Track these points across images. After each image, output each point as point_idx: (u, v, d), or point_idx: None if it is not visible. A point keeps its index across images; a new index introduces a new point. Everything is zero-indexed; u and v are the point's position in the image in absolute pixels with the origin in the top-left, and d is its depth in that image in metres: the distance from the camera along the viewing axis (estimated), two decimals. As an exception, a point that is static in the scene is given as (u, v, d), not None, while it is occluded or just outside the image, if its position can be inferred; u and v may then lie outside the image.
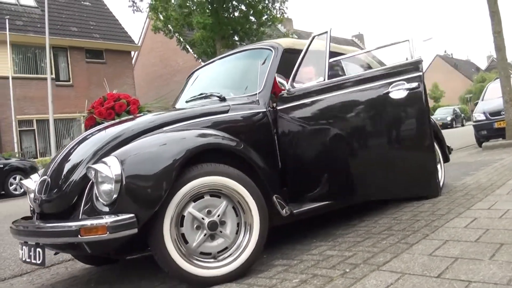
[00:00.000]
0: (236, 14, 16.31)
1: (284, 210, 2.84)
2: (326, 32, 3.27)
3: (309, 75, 3.36)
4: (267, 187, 2.83)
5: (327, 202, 3.16)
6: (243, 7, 16.18)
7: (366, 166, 3.07)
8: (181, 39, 17.57)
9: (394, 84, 2.94)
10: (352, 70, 3.99)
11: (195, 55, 17.77)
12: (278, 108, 3.29)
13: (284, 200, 3.00)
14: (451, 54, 75.29)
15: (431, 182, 2.88)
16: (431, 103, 51.73)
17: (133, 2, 15.76)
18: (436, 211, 4.05)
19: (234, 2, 16.06)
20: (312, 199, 3.20)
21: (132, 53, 24.31)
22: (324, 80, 3.23)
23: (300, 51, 3.42)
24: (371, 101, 3.05)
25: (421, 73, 2.92)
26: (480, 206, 3.98)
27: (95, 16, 22.37)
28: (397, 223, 3.74)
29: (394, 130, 3.02)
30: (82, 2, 22.80)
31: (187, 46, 17.49)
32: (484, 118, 11.36)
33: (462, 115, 40.82)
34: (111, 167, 2.31)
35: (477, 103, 13.36)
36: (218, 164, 2.58)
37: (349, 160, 3.10)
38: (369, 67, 4.26)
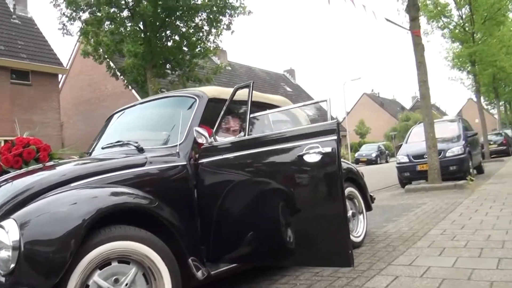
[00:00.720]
0: (170, 43, 16.07)
1: (200, 272, 2.70)
2: (249, 85, 3.15)
3: (234, 128, 3.23)
4: (183, 248, 2.67)
5: (246, 262, 3.02)
6: (177, 37, 15.98)
7: (281, 229, 2.88)
8: (112, 65, 17.08)
9: (308, 146, 2.79)
10: (278, 122, 3.90)
11: (125, 83, 17.33)
12: (199, 161, 3.12)
13: (201, 260, 2.85)
14: (378, 93, 78.53)
15: (342, 253, 2.67)
16: (357, 138, 53.40)
17: (63, 25, 15.14)
18: (357, 265, 3.99)
19: (168, 32, 15.84)
20: (231, 259, 3.05)
21: (60, 76, 23.38)
22: (245, 135, 3.10)
23: (226, 100, 3.28)
24: (286, 162, 2.92)
25: (336, 137, 2.75)
26: (401, 261, 3.96)
27: (24, 36, 21.38)
28: (318, 280, 3.63)
29: (306, 195, 2.85)
30: (11, 20, 21.77)
31: (117, 73, 17.01)
32: (408, 160, 11.75)
33: (387, 151, 42.36)
34: (8, 233, 2.06)
35: (401, 145, 13.83)
36: (129, 227, 2.38)
37: (266, 221, 2.94)
38: (296, 120, 4.17)
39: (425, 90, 10.08)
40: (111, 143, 3.49)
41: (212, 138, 3.12)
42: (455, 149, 11.28)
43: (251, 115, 3.22)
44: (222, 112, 3.15)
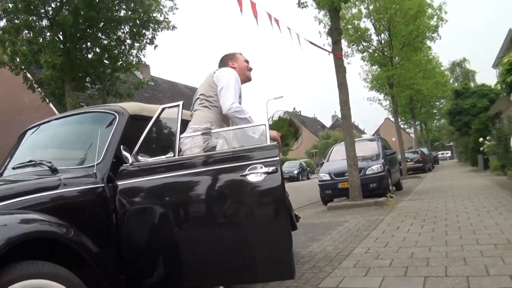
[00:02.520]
0: (90, 56, 15.44)
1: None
2: (178, 105, 2.98)
3: (159, 148, 3.03)
4: (100, 279, 2.46)
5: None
6: (98, 50, 15.38)
7: (216, 251, 2.78)
8: (29, 77, 16.11)
9: (251, 166, 2.75)
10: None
11: (42, 95, 16.40)
12: (119, 183, 2.87)
13: (120, 291, 2.62)
14: (300, 111, 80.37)
15: (285, 266, 2.70)
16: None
17: (-25, 31, 14.11)
18: (285, 290, 3.90)
19: (88, 44, 15.23)
20: (152, 286, 2.82)
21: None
22: (174, 156, 2.91)
23: (149, 118, 3.05)
24: (225, 183, 2.82)
25: (278, 157, 2.79)
26: (328, 283, 3.91)
27: None
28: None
29: (250, 215, 2.80)
30: None
31: (35, 85, 16.07)
32: (329, 178, 11.96)
33: (308, 168, 43.32)
34: None
35: (322, 162, 14.08)
36: (38, 262, 2.11)
37: (198, 244, 2.79)
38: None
39: (346, 111, 10.33)
40: (23, 163, 3.15)
41: (133, 158, 2.90)
42: (375, 167, 11.63)
43: (182, 136, 3.08)
44: (146, 130, 2.93)
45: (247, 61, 3.95)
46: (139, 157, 2.90)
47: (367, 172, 11.53)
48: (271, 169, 2.72)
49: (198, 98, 3.55)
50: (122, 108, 3.28)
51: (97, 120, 3.34)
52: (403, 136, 24.64)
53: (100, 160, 2.92)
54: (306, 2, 10.26)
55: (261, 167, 2.73)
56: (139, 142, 2.88)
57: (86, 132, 3.41)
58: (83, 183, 2.76)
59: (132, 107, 3.34)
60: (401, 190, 14.33)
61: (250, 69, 3.96)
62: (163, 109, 2.98)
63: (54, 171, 2.83)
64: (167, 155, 2.91)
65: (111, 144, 3.00)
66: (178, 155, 2.93)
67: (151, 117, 3.01)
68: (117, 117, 3.18)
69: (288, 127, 3.80)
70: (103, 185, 2.82)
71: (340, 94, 10.18)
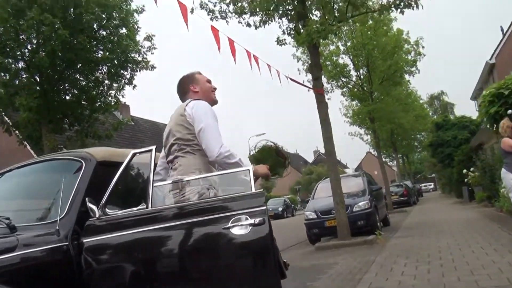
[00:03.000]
0: (68, 97, 15.15)
1: None
2: (150, 150, 2.67)
3: (130, 199, 2.71)
4: None
5: None
6: (75, 91, 15.12)
7: None
8: (6, 120, 15.67)
9: (234, 218, 2.44)
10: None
11: (19, 138, 15.93)
12: (85, 241, 2.53)
13: None
14: (282, 147, 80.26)
15: None
16: (264, 193, 53.43)
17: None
18: None
19: (66, 85, 14.97)
20: None
21: None
22: (147, 207, 2.59)
23: (120, 164, 2.74)
24: (205, 238, 2.50)
25: (265, 207, 2.48)
26: None
27: None
28: None
29: (232, 273, 2.48)
30: None
31: (11, 128, 15.63)
32: (316, 216, 11.64)
33: (292, 205, 42.88)
34: None
35: (307, 200, 13.78)
36: None
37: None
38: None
39: (330, 147, 10.10)
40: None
41: (100, 211, 2.56)
42: (362, 204, 11.38)
43: (156, 185, 2.71)
44: (114, 179, 2.61)
45: (209, 81, 3.43)
46: (107, 210, 2.57)
47: (354, 209, 11.26)
48: (257, 220, 2.41)
49: (175, 144, 3.04)
50: (89, 154, 2.96)
51: (61, 168, 3.00)
52: (385, 169, 24.55)
53: (64, 214, 2.58)
54: (284, 39, 10.17)
55: (247, 219, 2.42)
56: (106, 193, 2.56)
57: (50, 182, 3.06)
58: (44, 243, 2.43)
59: (100, 152, 3.01)
60: (388, 225, 14.05)
61: (214, 89, 3.43)
62: (133, 155, 2.67)
63: (12, 229, 2.48)
64: (139, 207, 2.58)
65: (77, 195, 2.67)
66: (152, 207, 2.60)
67: (122, 163, 2.70)
68: (84, 164, 2.85)
69: (275, 156, 3.46)
70: (67, 243, 2.49)
71: (323, 130, 9.97)
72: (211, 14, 8.97)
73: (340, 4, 9.38)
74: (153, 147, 2.67)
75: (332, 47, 20.48)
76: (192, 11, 8.68)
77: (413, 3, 8.75)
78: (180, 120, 3.07)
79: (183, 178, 2.86)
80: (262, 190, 2.49)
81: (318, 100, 9.96)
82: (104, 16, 14.27)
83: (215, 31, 5.90)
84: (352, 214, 10.96)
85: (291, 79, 9.19)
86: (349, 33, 19.91)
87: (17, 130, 15.64)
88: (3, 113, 14.97)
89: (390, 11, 9.02)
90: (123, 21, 14.75)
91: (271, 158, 3.45)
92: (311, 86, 10.24)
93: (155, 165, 3.02)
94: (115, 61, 14.87)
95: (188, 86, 3.34)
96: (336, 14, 9.19)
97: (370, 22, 18.90)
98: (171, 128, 3.12)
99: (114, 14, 14.47)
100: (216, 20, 9.04)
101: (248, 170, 2.58)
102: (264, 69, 7.74)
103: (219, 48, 5.85)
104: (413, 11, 8.66)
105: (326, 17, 8.99)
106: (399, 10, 8.85)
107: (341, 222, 10.05)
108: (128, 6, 14.85)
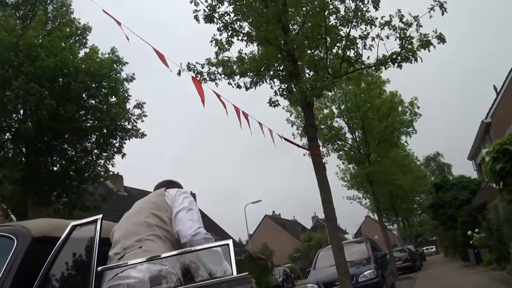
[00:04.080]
0: (55, 168, 14.63)
1: None
2: (95, 221, 2.10)
3: (68, 286, 2.10)
4: None
5: None
6: (63, 162, 14.62)
7: None
8: (-10, 193, 15.02)
9: None
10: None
11: (3, 212, 15.22)
12: None
13: None
14: (279, 214, 79.03)
15: None
16: (262, 262, 51.78)
17: None
18: None
19: (54, 156, 14.48)
20: None
21: None
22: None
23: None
24: None
25: None
26: None
27: None
28: None
29: None
30: None
31: (-4, 202, 14.95)
32: (318, 290, 10.79)
33: (293, 275, 41.27)
34: None
35: (308, 270, 12.97)
36: None
37: None
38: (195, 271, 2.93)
39: (330, 211, 9.38)
40: None
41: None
42: (367, 274, 10.62)
43: (101, 267, 2.07)
44: (47, 262, 2.01)
45: None
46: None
47: (360, 279, 10.45)
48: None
49: (144, 223, 2.51)
50: (23, 228, 2.37)
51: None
52: (387, 233, 23.72)
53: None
54: (277, 100, 9.75)
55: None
56: (37, 280, 1.94)
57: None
58: None
59: (39, 225, 2.41)
60: (396, 295, 13.13)
61: None
62: (73, 228, 2.09)
63: None
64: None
65: (3, 282, 2.05)
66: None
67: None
68: (15, 241, 2.26)
69: (254, 264, 2.83)
70: None
71: (322, 193, 9.31)
72: (199, 76, 8.62)
73: (334, 61, 9.08)
74: (99, 217, 2.09)
75: (326, 111, 20.28)
76: (179, 73, 8.33)
77: (411, 56, 8.43)
78: (158, 199, 2.70)
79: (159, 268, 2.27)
80: (246, 274, 1.86)
81: (315, 162, 9.39)
82: (93, 85, 14.02)
83: (197, 83, 5.47)
84: (358, 285, 10.14)
85: (285, 139, 8.70)
86: (343, 96, 19.79)
87: (2, 203, 15.00)
88: (-13, 188, 14.33)
89: (387, 66, 8.67)
90: (113, 89, 14.50)
91: (251, 269, 2.84)
92: (306, 148, 9.74)
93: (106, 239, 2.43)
94: (104, 130, 14.48)
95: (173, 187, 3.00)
96: (330, 72, 8.84)
97: (363, 85, 18.87)
98: (143, 206, 2.71)
99: (103, 83, 14.23)
100: (205, 82, 8.67)
101: (228, 245, 1.97)
102: (256, 128, 7.28)
103: (203, 101, 5.40)
104: (410, 65, 8.35)
105: (320, 75, 8.63)
106: (396, 64, 8.53)
107: (348, 295, 9.15)
108: (118, 75, 14.64)
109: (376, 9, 8.56)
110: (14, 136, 13.45)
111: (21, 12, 14.23)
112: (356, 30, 8.94)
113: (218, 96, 5.92)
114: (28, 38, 12.08)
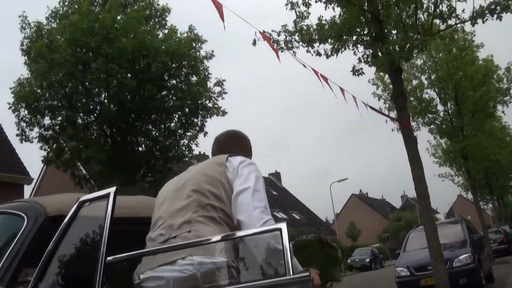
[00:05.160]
0: (140, 149, 14.94)
1: None
2: (107, 195, 1.64)
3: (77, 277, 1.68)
4: None
5: None
6: (148, 142, 14.89)
7: None
8: (77, 173, 15.57)
9: None
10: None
11: (90, 192, 15.81)
12: None
13: None
14: (367, 193, 77.09)
15: None
16: (349, 242, 50.96)
17: (22, 130, 13.99)
18: None
19: (139, 137, 14.76)
20: None
21: (26, 187, 21.78)
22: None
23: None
24: None
25: None
26: None
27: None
28: None
29: None
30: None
31: (82, 181, 15.48)
32: (408, 273, 10.05)
33: (381, 256, 39.92)
34: None
35: (398, 252, 12.13)
36: None
37: None
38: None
39: (422, 189, 8.48)
40: None
41: None
42: (463, 258, 9.67)
43: (112, 257, 1.55)
44: (49, 247, 1.60)
45: None
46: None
47: (455, 264, 9.52)
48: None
49: (196, 200, 1.94)
50: (38, 204, 2.00)
51: None
52: (479, 213, 22.06)
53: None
54: (361, 69, 8.95)
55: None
56: (37, 270, 1.54)
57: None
58: None
59: (57, 202, 2.02)
60: (493, 282, 11.85)
61: None
62: (81, 204, 1.66)
63: None
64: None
65: (11, 263, 1.68)
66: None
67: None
68: (26, 220, 1.90)
69: (322, 251, 2.23)
70: None
71: (412, 169, 8.45)
72: (275, 44, 8.07)
73: (424, 18, 8.13)
74: (112, 189, 1.64)
75: (415, 82, 19.00)
76: (254, 43, 7.86)
77: (511, 2, 7.26)
78: (216, 171, 2.05)
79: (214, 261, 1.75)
80: (307, 274, 1.31)
81: (405, 135, 8.54)
82: (173, 65, 14.01)
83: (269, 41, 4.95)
84: (452, 270, 9.20)
85: (371, 107, 7.97)
86: (433, 65, 18.41)
87: (89, 183, 15.53)
88: (74, 167, 14.85)
89: (485, 19, 7.56)
90: (193, 68, 14.45)
91: (317, 256, 2.25)
92: (395, 118, 8.92)
93: (125, 219, 1.96)
94: (186, 109, 14.52)
95: (238, 148, 2.34)
96: (420, 31, 7.90)
97: (455, 51, 17.46)
98: (195, 177, 2.05)
99: (183, 62, 14.18)
100: (282, 51, 8.10)
101: (280, 229, 1.42)
102: (339, 95, 6.64)
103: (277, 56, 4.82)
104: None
105: (408, 35, 7.75)
106: (495, 15, 7.43)
107: (440, 282, 8.22)
108: (197, 53, 14.55)
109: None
110: (97, 118, 13.79)
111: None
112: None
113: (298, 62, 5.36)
114: (103, 20, 12.20)
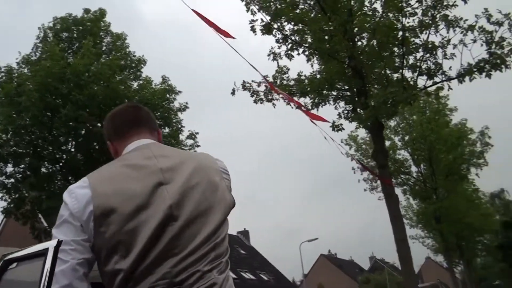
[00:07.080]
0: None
1: None
2: (46, 250, 1.12)
3: None
4: None
5: None
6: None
7: None
8: (36, 226, 14.62)
9: None
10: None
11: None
12: None
13: None
14: (335, 254, 76.05)
15: None
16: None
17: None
18: None
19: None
20: None
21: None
22: None
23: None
24: None
25: None
26: None
27: None
28: None
29: None
30: None
31: (41, 235, 14.53)
32: None
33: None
34: None
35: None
36: None
37: None
38: None
39: (405, 251, 7.99)
40: None
41: None
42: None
43: None
44: None
45: None
46: None
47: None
48: None
49: (222, 238, 1.41)
50: None
51: None
52: (447, 277, 21.80)
53: None
54: (341, 124, 8.65)
55: None
56: None
57: None
58: None
59: None
60: None
61: None
62: (6, 264, 1.18)
63: None
64: None
65: None
66: None
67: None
68: None
69: None
70: None
71: (394, 229, 8.00)
72: (254, 95, 7.77)
73: (409, 75, 7.97)
74: (52, 243, 1.13)
75: (388, 143, 19.02)
76: (233, 93, 7.56)
77: (499, 61, 7.16)
78: (221, 180, 1.51)
79: None
80: None
81: (387, 193, 8.16)
82: (145, 115, 13.66)
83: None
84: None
85: (362, 165, 7.64)
86: (407, 126, 18.56)
87: (48, 236, 14.62)
88: (34, 219, 13.99)
89: (472, 77, 7.44)
90: (165, 120, 14.10)
91: None
92: (376, 174, 8.60)
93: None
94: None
95: (157, 127, 1.72)
96: (405, 86, 7.69)
97: (428, 113, 17.69)
98: (222, 188, 1.47)
99: (156, 113, 13.81)
100: (261, 103, 7.81)
101: None
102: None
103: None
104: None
105: (394, 89, 7.54)
106: (484, 73, 7.31)
107: None
108: (170, 104, 14.27)
109: (465, 2, 7.51)
110: (63, 167, 13.17)
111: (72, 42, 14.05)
112: (436, 36, 7.87)
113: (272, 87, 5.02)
114: (74, 66, 11.87)
